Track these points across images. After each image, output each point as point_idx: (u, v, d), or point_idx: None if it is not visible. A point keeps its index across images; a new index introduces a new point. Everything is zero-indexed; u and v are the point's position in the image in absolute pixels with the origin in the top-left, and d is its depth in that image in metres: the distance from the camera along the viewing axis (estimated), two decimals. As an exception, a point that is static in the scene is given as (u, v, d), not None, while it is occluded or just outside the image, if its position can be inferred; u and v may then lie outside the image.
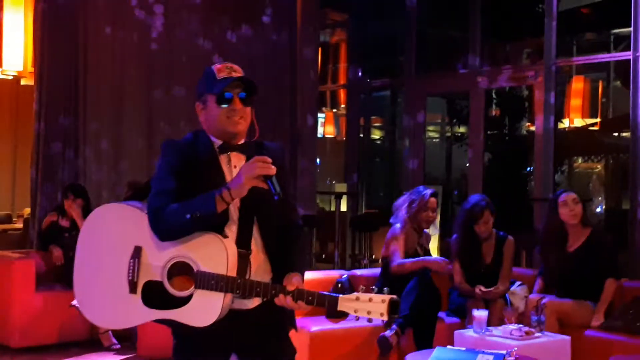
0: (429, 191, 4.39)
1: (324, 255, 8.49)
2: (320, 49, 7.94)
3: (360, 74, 8.44)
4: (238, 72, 2.10)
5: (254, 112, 2.13)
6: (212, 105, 2.09)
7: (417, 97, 7.70)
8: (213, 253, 1.96)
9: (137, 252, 2.05)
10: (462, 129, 8.97)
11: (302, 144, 7.48)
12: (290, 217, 2.15)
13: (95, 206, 5.72)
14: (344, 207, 8.10)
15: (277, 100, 7.26)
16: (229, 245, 1.99)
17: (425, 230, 4.48)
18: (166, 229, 1.99)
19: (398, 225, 4.34)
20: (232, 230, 2.03)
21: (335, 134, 9.77)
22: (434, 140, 9.79)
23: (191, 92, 6.40)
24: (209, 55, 6.62)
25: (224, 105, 2.07)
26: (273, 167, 1.95)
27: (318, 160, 8.16)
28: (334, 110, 9.77)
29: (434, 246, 6.35)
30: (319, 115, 8.45)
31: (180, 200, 1.99)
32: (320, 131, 9.06)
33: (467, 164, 7.45)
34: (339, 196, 7.52)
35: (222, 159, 2.10)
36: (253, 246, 2.05)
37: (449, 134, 9.37)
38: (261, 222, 2.07)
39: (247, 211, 2.05)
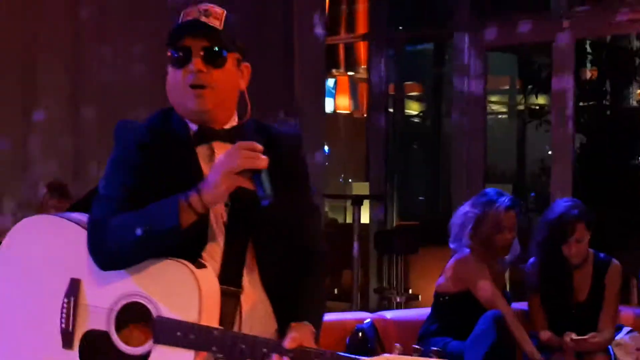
0: (504, 199, 4.46)
1: (336, 290, 8.57)
2: (328, -19, 8.21)
3: (388, 19, 8.45)
4: (216, 17, 2.12)
5: (247, 78, 2.18)
6: (169, 67, 2.15)
7: (474, 53, 7.75)
8: (180, 290, 2.00)
9: (74, 288, 2.09)
10: (540, 100, 9.03)
11: (301, 124, 7.59)
12: (308, 239, 2.21)
13: None
14: (365, 218, 8.11)
15: (264, 61, 7.08)
16: (205, 278, 2.02)
17: (508, 258, 4.61)
18: (108, 252, 2.03)
19: (469, 253, 4.46)
20: (214, 256, 2.08)
21: (352, 108, 9.98)
22: (500, 116, 10.00)
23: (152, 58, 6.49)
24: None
25: (179, 67, 2.11)
26: (263, 157, 1.98)
27: (326, 148, 8.23)
28: (350, 73, 9.87)
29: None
30: (328, 81, 8.56)
31: (133, 209, 2.04)
32: (329, 105, 9.13)
33: (550, 152, 7.53)
34: (358, 201, 7.57)
35: (201, 151, 2.15)
36: (246, 281, 2.11)
37: (521, 107, 9.46)
38: (260, 245, 2.12)
39: (238, 228, 2.10)
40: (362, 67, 9.36)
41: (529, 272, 4.67)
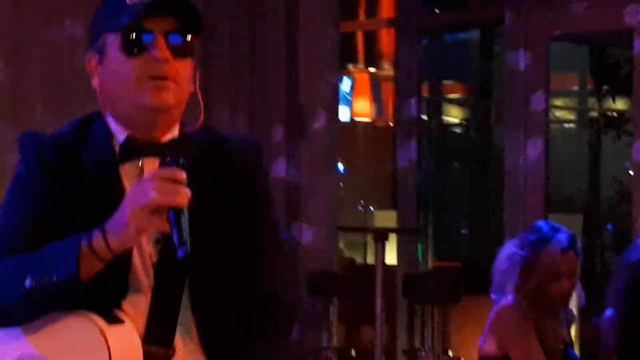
0: (561, 237, 4.37)
1: (353, 352, 8.44)
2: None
3: (421, 1, 8.41)
4: None
5: (198, 73, 2.24)
6: (114, 55, 2.16)
7: (532, 42, 7.63)
8: (85, 352, 2.04)
9: None
10: (619, 104, 9.08)
11: (308, 135, 7.57)
12: (267, 286, 2.26)
13: None
14: (392, 258, 8.09)
15: (256, 54, 7.40)
16: (119, 337, 2.05)
17: (571, 310, 4.61)
18: None
19: (511, 304, 4.43)
20: (139, 306, 2.12)
21: (375, 115, 9.87)
22: (566, 125, 10.05)
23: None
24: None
25: (135, 54, 2.13)
26: (185, 191, 1.99)
27: (341, 166, 8.47)
28: (372, 70, 9.77)
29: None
30: (343, 79, 8.67)
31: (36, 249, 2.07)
32: (344, 110, 9.14)
33: (631, 171, 7.63)
34: (382, 236, 7.41)
35: (128, 171, 2.18)
36: (179, 340, 2.14)
37: (594, 114, 9.48)
38: (199, 294, 2.16)
39: (170, 271, 2.13)
40: (387, 61, 9.48)
41: (605, 328, 4.64)
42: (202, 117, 2.22)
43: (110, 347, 2.03)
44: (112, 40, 2.16)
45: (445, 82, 9.19)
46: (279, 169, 7.52)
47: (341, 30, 7.88)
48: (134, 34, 2.13)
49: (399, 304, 8.01)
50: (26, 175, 2.15)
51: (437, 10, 8.62)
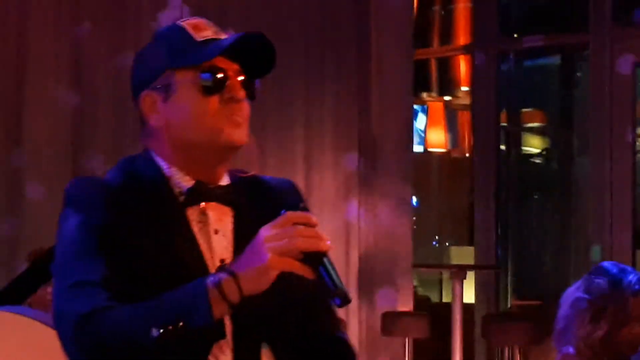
0: (632, 279, 4.04)
1: None
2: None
3: (498, 24, 8.41)
4: (225, 35, 2.23)
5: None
6: (186, 93, 2.17)
7: (619, 67, 7.60)
8: None
9: None
10: None
11: (380, 167, 7.60)
12: (331, 329, 2.29)
13: None
14: (469, 297, 7.99)
15: (328, 83, 7.47)
16: None
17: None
18: (110, 357, 2.04)
19: (572, 355, 4.13)
20: (224, 349, 2.14)
21: (450, 146, 9.80)
22: None
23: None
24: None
25: (213, 93, 2.16)
26: (326, 237, 2.03)
27: (415, 199, 8.40)
28: (447, 98, 9.72)
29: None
30: (416, 108, 8.71)
31: (128, 297, 2.07)
32: (418, 141, 9.14)
33: None
34: (459, 273, 7.45)
35: (191, 215, 2.20)
36: None
37: None
38: (278, 344, 2.19)
39: (249, 321, 2.16)
40: (463, 89, 9.36)
41: None
42: (257, 165, 2.27)
43: None
44: (185, 77, 2.16)
45: (525, 110, 9.12)
46: (352, 207, 7.48)
47: (415, 57, 7.94)
48: (214, 72, 2.15)
49: (478, 345, 7.97)
50: (90, 220, 2.11)
51: (515, 35, 8.62)
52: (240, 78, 2.18)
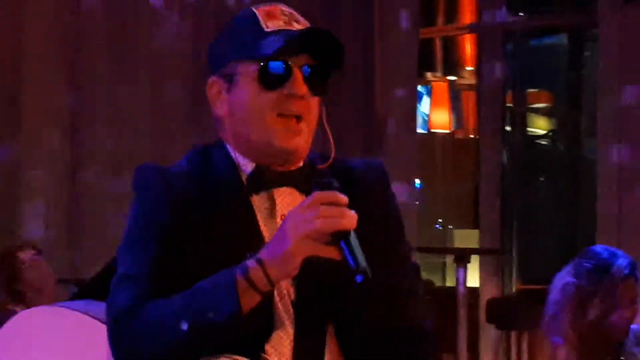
0: (620, 263, 4.12)
1: None
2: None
3: (504, 3, 8.31)
4: (304, 25, 2.20)
5: (324, 108, 2.23)
6: (247, 86, 2.17)
7: (627, 47, 7.49)
8: None
9: None
10: None
11: (384, 149, 7.67)
12: (411, 316, 2.21)
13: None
14: (474, 281, 7.95)
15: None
16: None
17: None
18: (141, 354, 2.04)
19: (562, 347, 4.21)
20: (280, 348, 2.10)
21: (454, 127, 9.78)
22: None
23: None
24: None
25: (272, 88, 2.15)
26: (352, 214, 1.99)
27: (418, 182, 8.34)
28: (451, 78, 9.73)
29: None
30: (420, 89, 8.62)
31: (173, 291, 2.06)
32: (422, 122, 9.09)
33: None
34: (462, 257, 7.16)
35: (258, 202, 2.18)
36: None
37: None
38: (344, 330, 2.14)
39: (312, 309, 2.12)
40: (468, 69, 9.33)
41: None
42: (333, 154, 2.22)
43: None
44: (247, 70, 2.16)
45: (531, 90, 9.04)
46: None
47: (419, 37, 7.99)
48: (274, 66, 2.14)
49: (482, 330, 7.89)
50: (149, 213, 2.15)
51: (521, 14, 8.57)
52: (306, 72, 2.16)
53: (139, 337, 2.06)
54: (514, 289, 8.19)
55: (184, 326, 2.01)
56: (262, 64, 2.16)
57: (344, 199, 2.01)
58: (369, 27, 7.72)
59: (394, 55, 7.76)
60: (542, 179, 9.27)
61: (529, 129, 9.17)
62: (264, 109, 2.16)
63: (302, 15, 2.24)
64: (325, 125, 2.24)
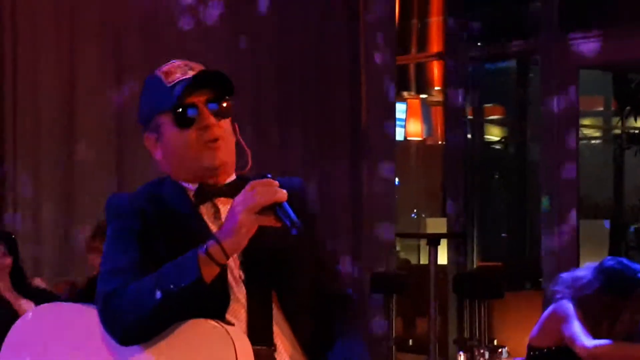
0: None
1: (411, 341, 8.50)
2: (398, -6, 8.32)
3: (465, 34, 8.52)
4: (199, 69, 2.25)
5: (236, 125, 2.28)
6: (169, 130, 2.24)
7: (563, 70, 7.73)
8: (214, 353, 2.03)
9: None
10: None
11: (368, 154, 7.69)
12: (332, 284, 2.33)
13: (32, 269, 5.81)
14: (443, 259, 8.07)
15: (325, 84, 7.53)
16: (238, 337, 2.05)
17: None
18: (127, 324, 2.08)
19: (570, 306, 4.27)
20: (239, 316, 2.16)
21: (425, 134, 9.88)
22: (593, 142, 9.85)
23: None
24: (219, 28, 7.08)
25: (187, 126, 2.21)
26: (281, 189, 2.06)
27: (397, 180, 8.25)
28: (423, 96, 9.86)
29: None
30: (398, 105, 8.51)
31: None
32: (400, 132, 9.12)
33: None
34: (433, 241, 7.49)
35: (206, 210, 2.25)
36: (277, 338, 2.18)
37: (617, 131, 9.44)
38: (285, 299, 2.20)
39: (258, 284, 2.18)
40: (436, 88, 9.45)
41: None
42: (250, 163, 2.29)
43: (236, 349, 2.03)
44: (165, 119, 2.24)
45: (487, 105, 9.20)
46: (344, 185, 7.58)
47: (396, 62, 8.04)
48: (181, 110, 2.21)
49: (450, 299, 8.05)
50: (122, 225, 2.21)
51: (479, 44, 8.60)
52: (211, 104, 2.22)
53: (123, 310, 2.08)
54: (474, 266, 8.29)
55: (158, 295, 2.04)
56: (173, 110, 2.21)
57: (275, 181, 2.09)
58: (356, 56, 7.67)
59: (375, 77, 7.75)
60: (496, 176, 9.41)
61: (485, 136, 9.29)
62: (187, 143, 2.22)
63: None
64: (240, 140, 2.28)
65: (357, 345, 2.26)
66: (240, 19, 7.20)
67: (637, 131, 9.08)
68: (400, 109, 9.31)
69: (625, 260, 4.36)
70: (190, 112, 2.21)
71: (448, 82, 8.59)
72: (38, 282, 5.48)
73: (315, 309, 2.25)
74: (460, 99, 8.49)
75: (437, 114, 9.67)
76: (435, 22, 8.99)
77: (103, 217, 5.62)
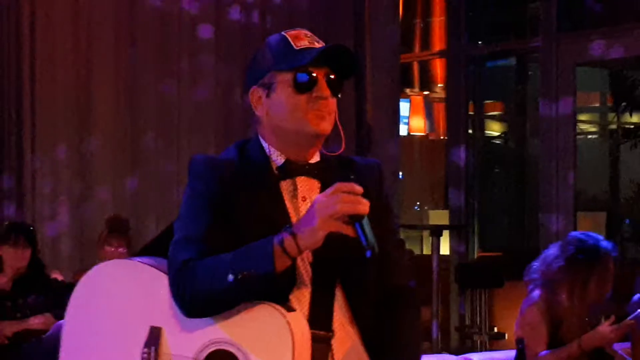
0: (608, 246, 4.22)
1: None
2: (402, -5, 8.54)
3: (467, 34, 8.48)
4: (321, 44, 2.23)
5: (337, 110, 2.26)
6: (284, 91, 2.21)
7: (561, 68, 7.71)
8: (271, 337, 2.04)
9: (155, 336, 2.15)
10: (635, 118, 9.07)
11: (373, 148, 7.71)
12: (397, 276, 2.28)
13: (50, 261, 5.79)
14: (445, 249, 8.10)
15: None
16: (297, 323, 2.06)
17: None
18: (196, 298, 2.09)
19: (536, 294, 4.27)
20: (301, 299, 2.15)
21: (428, 130, 10.03)
22: (590, 136, 9.84)
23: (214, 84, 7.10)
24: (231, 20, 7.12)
25: (304, 92, 2.18)
26: (365, 202, 2.02)
27: (400, 173, 8.39)
28: (426, 92, 9.91)
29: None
30: (402, 101, 8.54)
31: (221, 252, 2.09)
32: (403, 127, 9.20)
33: None
34: (436, 232, 7.59)
35: (285, 187, 2.23)
36: (337, 324, 2.17)
37: (613, 127, 9.43)
38: (349, 287, 2.19)
39: (325, 269, 2.16)
40: (439, 85, 9.47)
41: (634, 312, 4.38)
42: (343, 145, 2.27)
43: (293, 332, 2.03)
44: (283, 78, 2.21)
45: (487, 101, 9.23)
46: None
47: (400, 61, 8.12)
48: (305, 75, 2.19)
49: (452, 288, 8.09)
50: (203, 190, 2.18)
51: (480, 42, 8.61)
52: (328, 79, 2.20)
53: (195, 286, 2.07)
54: (475, 256, 8.26)
55: (230, 278, 2.04)
56: (296, 73, 2.19)
57: (359, 189, 2.04)
58: (362, 52, 7.65)
59: (380, 75, 7.77)
60: (496, 170, 9.42)
61: (486, 132, 9.34)
62: (298, 106, 2.19)
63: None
64: (337, 122, 2.25)
65: (414, 342, 2.26)
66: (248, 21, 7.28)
67: (632, 126, 9.12)
68: (404, 105, 9.31)
69: (589, 233, 4.35)
70: (311, 80, 2.18)
71: (450, 79, 8.59)
72: (56, 274, 5.49)
73: (378, 302, 2.23)
74: (461, 95, 8.49)
75: (440, 110, 9.80)
76: (437, 21, 9.09)
77: (113, 213, 5.27)
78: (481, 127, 9.01)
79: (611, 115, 9.42)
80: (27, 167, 6.32)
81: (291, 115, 2.20)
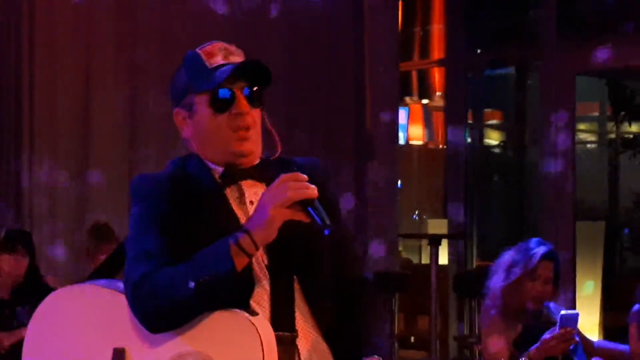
0: (541, 249, 4.32)
1: (412, 338, 8.48)
2: (401, 3, 8.19)
3: (466, 42, 8.50)
4: (238, 55, 2.23)
5: (265, 114, 2.25)
6: (203, 111, 2.21)
7: (561, 77, 7.71)
8: (239, 343, 2.01)
9: (119, 358, 2.11)
10: (634, 128, 9.04)
11: (372, 156, 7.69)
12: (351, 269, 2.29)
13: (48, 271, 5.72)
14: (443, 259, 8.06)
15: (331, 90, 7.56)
16: (262, 327, 2.02)
17: (554, 308, 4.38)
18: (158, 311, 2.05)
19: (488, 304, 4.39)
20: (261, 302, 2.13)
21: (427, 139, 10.03)
22: (589, 146, 9.83)
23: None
24: (221, 23, 7.01)
25: (222, 111, 2.18)
26: (311, 186, 2.03)
27: (399, 182, 8.28)
28: (425, 101, 9.92)
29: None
30: (400, 109, 8.56)
31: (176, 264, 2.07)
32: (402, 136, 9.13)
33: None
34: (435, 241, 7.38)
35: (230, 193, 2.21)
36: (299, 324, 2.15)
37: (612, 136, 9.38)
38: (306, 284, 2.17)
39: (281, 269, 2.15)
40: (438, 94, 9.50)
41: (634, 322, 4.50)
42: (279, 149, 2.24)
43: (261, 337, 2.00)
44: (200, 99, 2.21)
45: (486, 110, 9.25)
46: (348, 187, 7.54)
47: (399, 69, 8.06)
48: (221, 93, 2.18)
49: (450, 297, 8.08)
50: (149, 207, 2.16)
51: (479, 51, 8.64)
52: (247, 92, 2.19)
53: (155, 297, 2.04)
54: (474, 265, 8.27)
55: (191, 284, 2.01)
56: (212, 94, 2.18)
57: (304, 176, 2.05)
58: (361, 63, 7.68)
59: (380, 83, 7.75)
60: (495, 179, 9.40)
61: (485, 140, 9.30)
62: (219, 127, 2.18)
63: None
64: (269, 127, 2.24)
65: (377, 332, 2.30)
66: (248, 23, 7.17)
67: (631, 136, 9.12)
68: (403, 114, 9.32)
69: (528, 241, 4.45)
70: (228, 98, 2.18)
71: (449, 88, 8.61)
72: (50, 280, 5.40)
73: (336, 294, 2.23)
74: (460, 104, 8.52)
75: (438, 118, 9.76)
76: (436, 29, 9.04)
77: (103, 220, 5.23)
78: (480, 136, 9.07)
79: (610, 125, 9.40)
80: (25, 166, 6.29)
81: (215, 135, 2.20)
